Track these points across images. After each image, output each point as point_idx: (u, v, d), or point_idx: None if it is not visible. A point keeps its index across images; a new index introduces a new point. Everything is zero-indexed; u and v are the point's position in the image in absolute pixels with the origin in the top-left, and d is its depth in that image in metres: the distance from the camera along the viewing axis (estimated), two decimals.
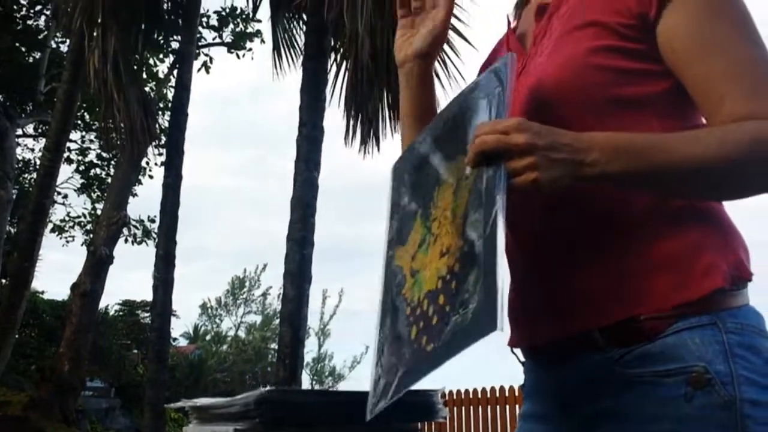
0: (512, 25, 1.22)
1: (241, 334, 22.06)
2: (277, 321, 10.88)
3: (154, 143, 11.15)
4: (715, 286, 0.92)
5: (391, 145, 7.21)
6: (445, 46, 6.62)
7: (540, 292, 1.03)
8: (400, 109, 1.24)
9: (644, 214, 0.96)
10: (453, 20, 6.52)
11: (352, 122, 6.97)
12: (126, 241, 13.58)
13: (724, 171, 0.89)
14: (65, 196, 15.39)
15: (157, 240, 8.16)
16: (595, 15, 1.00)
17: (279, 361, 6.18)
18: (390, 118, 7.05)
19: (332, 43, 7.10)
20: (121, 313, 21.81)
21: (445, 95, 6.50)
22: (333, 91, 7.01)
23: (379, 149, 7.10)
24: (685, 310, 0.91)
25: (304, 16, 7.49)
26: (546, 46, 1.05)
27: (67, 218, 15.26)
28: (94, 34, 7.13)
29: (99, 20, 6.77)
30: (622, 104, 0.98)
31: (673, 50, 0.96)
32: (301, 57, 7.51)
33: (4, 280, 11.31)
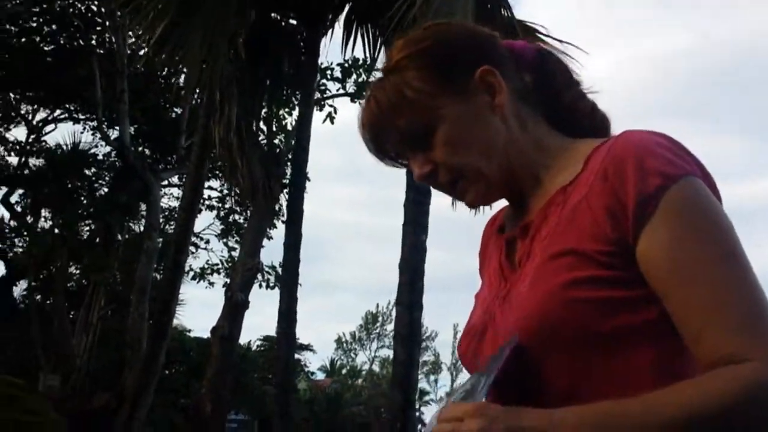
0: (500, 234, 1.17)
1: (376, 368, 22.29)
2: None
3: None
4: None
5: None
6: None
7: None
8: None
9: None
10: None
11: None
12: (260, 286, 14.14)
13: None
14: (207, 242, 16.34)
15: (282, 273, 8.50)
16: (573, 242, 0.95)
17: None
18: None
19: None
20: (261, 348, 22.60)
21: None
22: None
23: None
24: None
25: None
26: (527, 273, 1.00)
27: (206, 265, 16.18)
28: (217, 103, 7.58)
29: (217, 94, 7.19)
30: (609, 339, 0.92)
31: (651, 276, 0.90)
32: None
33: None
